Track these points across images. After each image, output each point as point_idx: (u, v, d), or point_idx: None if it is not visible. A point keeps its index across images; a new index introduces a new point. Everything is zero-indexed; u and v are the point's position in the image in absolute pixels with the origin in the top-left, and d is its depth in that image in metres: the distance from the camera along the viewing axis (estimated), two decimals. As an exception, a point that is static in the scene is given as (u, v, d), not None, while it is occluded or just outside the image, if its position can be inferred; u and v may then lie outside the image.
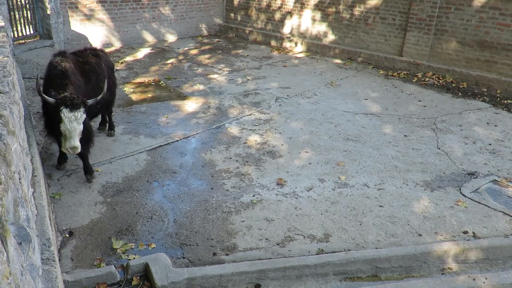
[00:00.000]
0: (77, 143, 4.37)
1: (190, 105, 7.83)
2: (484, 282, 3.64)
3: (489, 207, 4.86)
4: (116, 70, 9.85)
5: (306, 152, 6.10)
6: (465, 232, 4.44)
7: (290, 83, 9.27)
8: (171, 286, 3.52)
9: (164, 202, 4.81)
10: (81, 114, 4.34)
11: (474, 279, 3.67)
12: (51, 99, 4.31)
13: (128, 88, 8.70)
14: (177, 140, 6.37)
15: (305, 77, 9.72)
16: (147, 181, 5.21)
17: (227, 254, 4.02)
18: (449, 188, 5.25)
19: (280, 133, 6.72)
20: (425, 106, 8.00)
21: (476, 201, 4.97)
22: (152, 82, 9.12)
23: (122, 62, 10.50)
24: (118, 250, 4.02)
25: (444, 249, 4.07)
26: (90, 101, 4.56)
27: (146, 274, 3.69)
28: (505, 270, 3.95)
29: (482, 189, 5.26)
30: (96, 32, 11.67)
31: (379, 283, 3.76)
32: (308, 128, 6.93)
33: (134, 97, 8.24)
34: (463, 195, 5.10)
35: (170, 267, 3.65)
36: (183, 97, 8.29)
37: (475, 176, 5.53)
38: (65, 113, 4.23)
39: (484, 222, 4.60)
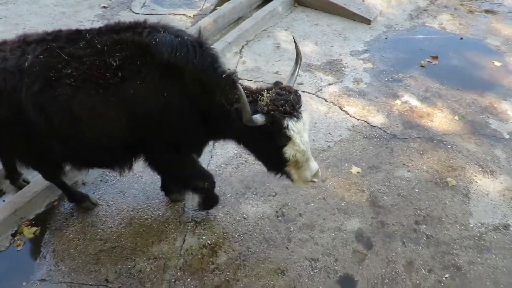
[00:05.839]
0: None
1: None
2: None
3: (160, 14, 5.32)
4: None
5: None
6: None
7: None
8: None
9: None
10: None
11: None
12: (259, 118, 2.27)
13: None
14: None
15: None
16: None
17: None
18: (122, 12, 5.37)
19: None
20: None
21: (148, 14, 5.32)
22: None
23: None
24: None
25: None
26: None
27: None
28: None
29: (148, 1, 5.60)
30: None
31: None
32: None
33: None
34: (136, 13, 5.35)
35: None
36: None
37: (137, -7, 5.77)
38: (294, 127, 2.31)
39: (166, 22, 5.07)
